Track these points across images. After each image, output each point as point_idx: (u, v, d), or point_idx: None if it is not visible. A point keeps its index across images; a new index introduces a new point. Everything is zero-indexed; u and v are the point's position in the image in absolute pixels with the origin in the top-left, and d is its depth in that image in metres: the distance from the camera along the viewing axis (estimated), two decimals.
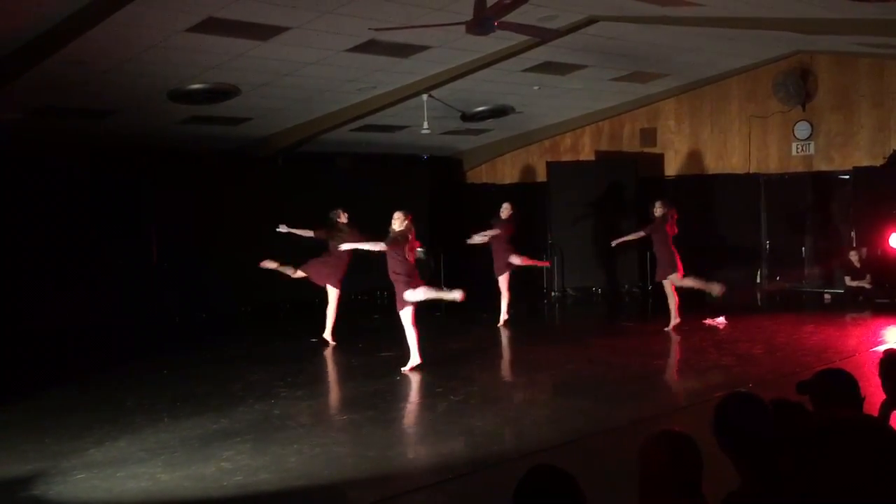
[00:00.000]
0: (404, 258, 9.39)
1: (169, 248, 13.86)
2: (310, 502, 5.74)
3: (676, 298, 11.72)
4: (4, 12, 8.40)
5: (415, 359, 9.51)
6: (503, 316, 12.69)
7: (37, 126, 11.97)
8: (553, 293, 16.15)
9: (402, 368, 9.47)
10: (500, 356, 10.53)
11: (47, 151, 13.05)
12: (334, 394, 8.92)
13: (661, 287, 11.91)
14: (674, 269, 11.62)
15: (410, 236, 9.49)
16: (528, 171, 18.32)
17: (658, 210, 11.83)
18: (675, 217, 11.86)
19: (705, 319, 12.30)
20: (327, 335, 11.23)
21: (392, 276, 9.49)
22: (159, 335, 12.71)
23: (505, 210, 12.85)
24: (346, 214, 11.25)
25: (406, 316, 9.46)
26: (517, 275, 13.19)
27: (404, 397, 8.50)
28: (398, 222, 9.48)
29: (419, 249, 9.82)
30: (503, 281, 12.75)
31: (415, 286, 9.39)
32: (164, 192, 13.92)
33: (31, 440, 7.10)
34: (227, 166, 15.18)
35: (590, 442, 6.85)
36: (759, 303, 14.88)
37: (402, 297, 9.41)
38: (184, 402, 8.37)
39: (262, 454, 6.65)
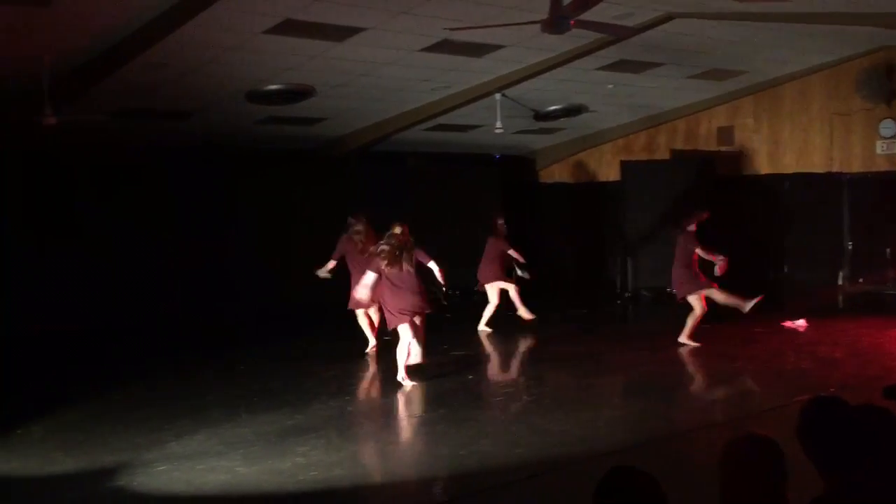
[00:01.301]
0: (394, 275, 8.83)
1: (245, 247, 14.14)
2: (384, 499, 5.79)
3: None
4: (91, 17, 8.68)
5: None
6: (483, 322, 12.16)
7: (121, 127, 12.31)
8: (626, 294, 15.97)
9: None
10: (571, 356, 10.44)
11: (131, 152, 13.43)
12: (407, 392, 8.95)
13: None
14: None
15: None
16: (602, 170, 18.16)
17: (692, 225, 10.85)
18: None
19: (785, 322, 12.00)
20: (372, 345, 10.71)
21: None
22: (235, 332, 12.96)
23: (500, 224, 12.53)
24: (362, 221, 10.73)
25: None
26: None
27: (476, 396, 8.50)
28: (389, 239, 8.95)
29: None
30: (492, 289, 12.23)
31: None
32: (240, 191, 14.20)
33: (115, 432, 7.32)
34: (301, 166, 15.40)
35: (666, 444, 6.75)
36: (841, 305, 14.47)
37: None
38: (260, 398, 8.52)
39: (337, 450, 6.73)
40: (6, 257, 12.07)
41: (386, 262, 8.71)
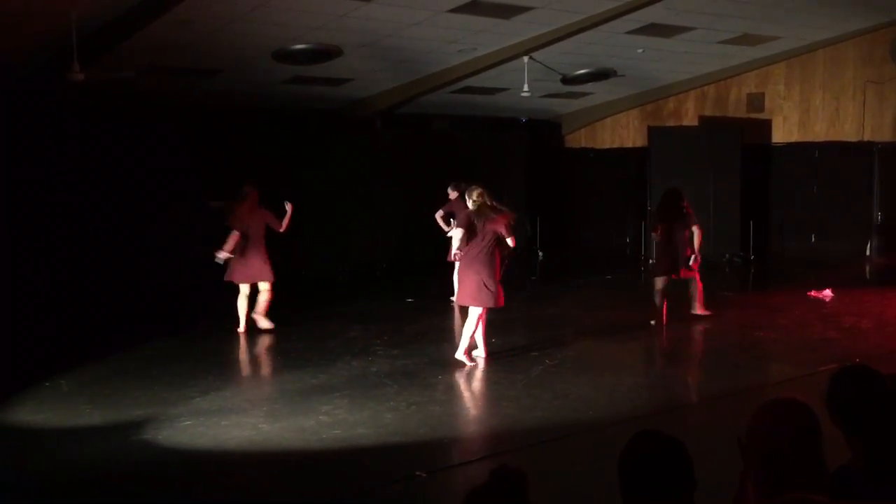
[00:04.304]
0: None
1: (270, 208, 14.16)
2: (406, 458, 5.83)
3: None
4: None
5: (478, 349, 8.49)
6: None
7: (148, 85, 12.33)
8: (650, 260, 15.88)
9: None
10: (595, 322, 10.43)
11: (158, 110, 13.47)
12: (430, 354, 8.99)
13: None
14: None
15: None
16: (629, 136, 18.00)
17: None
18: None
19: (810, 292, 11.91)
20: (265, 324, 9.79)
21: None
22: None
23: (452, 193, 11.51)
24: (254, 190, 9.84)
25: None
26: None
27: (499, 360, 8.51)
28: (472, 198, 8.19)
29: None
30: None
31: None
32: (266, 151, 14.20)
33: (142, 387, 7.42)
34: (326, 127, 15.38)
35: (689, 411, 6.75)
36: (868, 276, 14.32)
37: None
38: (284, 357, 8.60)
39: (360, 409, 6.79)
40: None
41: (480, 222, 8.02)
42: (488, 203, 8.15)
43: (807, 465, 2.39)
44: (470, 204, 8.27)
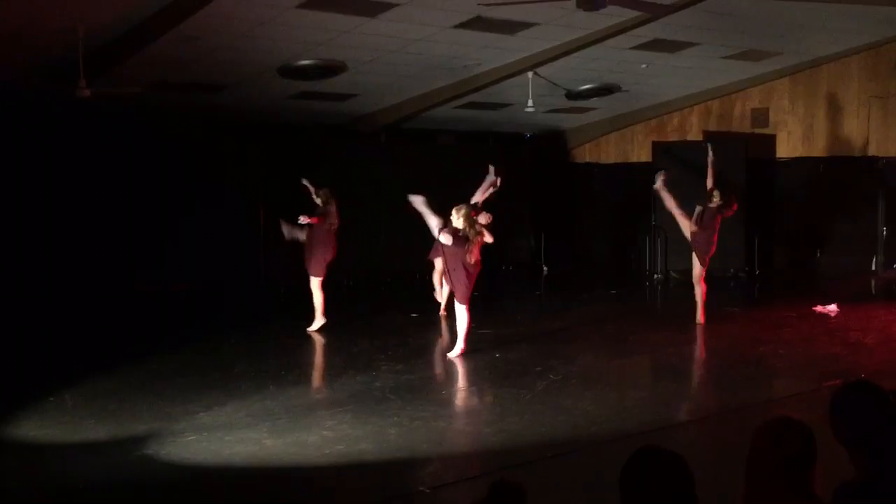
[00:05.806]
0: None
1: (276, 221, 14.18)
2: (409, 474, 5.82)
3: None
4: None
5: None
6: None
7: (155, 100, 12.39)
8: (655, 275, 15.88)
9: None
10: (600, 337, 10.41)
11: (165, 125, 13.54)
12: (433, 368, 8.99)
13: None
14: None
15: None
16: (634, 151, 18.01)
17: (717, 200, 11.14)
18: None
19: (816, 307, 11.88)
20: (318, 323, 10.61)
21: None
22: (265, 304, 13.06)
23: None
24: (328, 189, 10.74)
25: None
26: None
27: (503, 375, 8.50)
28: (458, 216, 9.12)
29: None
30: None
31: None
32: (272, 165, 14.26)
33: (145, 401, 7.42)
34: (331, 141, 15.43)
35: (693, 427, 6.73)
36: (874, 291, 14.28)
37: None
38: (288, 371, 8.59)
39: (363, 425, 6.77)
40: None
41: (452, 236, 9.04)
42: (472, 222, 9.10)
43: (804, 483, 2.39)
44: (459, 221, 9.00)
